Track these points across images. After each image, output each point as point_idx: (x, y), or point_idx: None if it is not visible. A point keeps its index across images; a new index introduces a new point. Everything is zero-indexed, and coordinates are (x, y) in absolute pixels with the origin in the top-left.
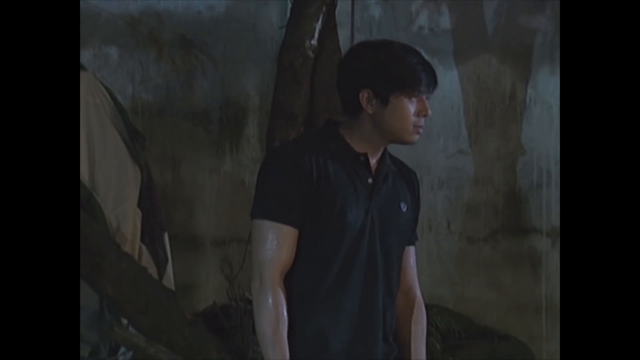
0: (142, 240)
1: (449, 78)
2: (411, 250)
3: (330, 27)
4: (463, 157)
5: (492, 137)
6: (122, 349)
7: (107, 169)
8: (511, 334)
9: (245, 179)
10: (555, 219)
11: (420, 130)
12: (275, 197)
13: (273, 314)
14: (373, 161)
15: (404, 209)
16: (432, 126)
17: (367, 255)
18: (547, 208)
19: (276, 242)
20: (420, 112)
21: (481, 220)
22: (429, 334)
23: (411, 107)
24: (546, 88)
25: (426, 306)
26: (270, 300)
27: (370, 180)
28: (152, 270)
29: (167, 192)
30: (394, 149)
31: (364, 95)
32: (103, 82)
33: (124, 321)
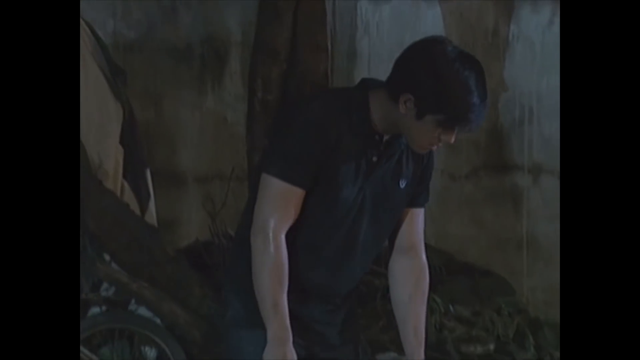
0: (124, 176)
1: (431, 14)
2: (419, 212)
3: None
4: None
5: None
6: (105, 285)
7: (88, 106)
8: (492, 269)
9: (227, 115)
10: (537, 156)
11: (433, 148)
12: (293, 159)
13: (279, 269)
14: (387, 137)
15: (402, 186)
16: None
17: (347, 231)
18: (529, 145)
19: (285, 202)
20: (444, 139)
21: (463, 157)
22: None
23: (439, 131)
24: (528, 25)
25: None
26: (275, 256)
27: (375, 159)
28: (135, 207)
29: (149, 129)
30: None
31: (405, 97)
32: (84, 17)
33: (107, 257)
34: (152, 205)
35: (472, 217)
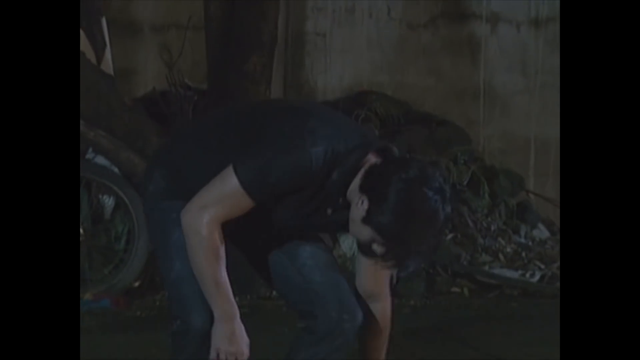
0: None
1: None
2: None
3: None
4: None
5: None
6: None
7: None
8: (449, 119)
9: None
10: (495, 4)
11: None
12: (267, 180)
13: (214, 248)
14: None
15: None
16: None
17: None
18: None
19: (233, 205)
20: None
21: (421, 6)
22: (367, 119)
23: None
24: None
25: (365, 92)
26: (208, 238)
27: (329, 212)
28: (90, 55)
29: None
30: None
31: (364, 197)
32: None
33: None
34: (108, 54)
35: (429, 67)
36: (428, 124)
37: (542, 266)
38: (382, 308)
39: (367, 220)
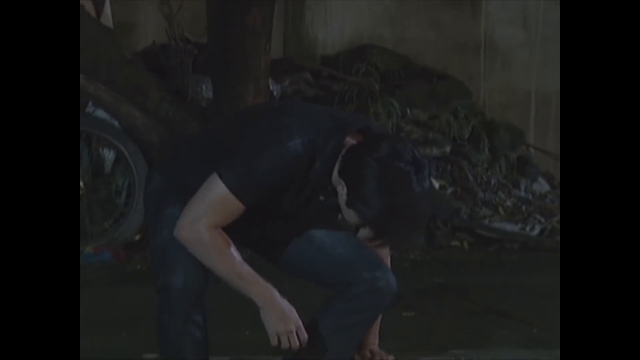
0: None
1: None
2: None
3: None
4: None
5: None
6: None
7: None
8: (449, 73)
9: None
10: None
11: None
12: (253, 181)
13: (222, 248)
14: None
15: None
16: None
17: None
18: None
19: (224, 210)
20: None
21: None
22: (368, 74)
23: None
24: None
25: (366, 47)
26: (210, 240)
27: (322, 198)
28: (90, 9)
29: None
30: None
31: (341, 184)
32: None
33: None
34: (107, 7)
35: (430, 20)
36: (428, 78)
37: (542, 220)
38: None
39: (349, 204)
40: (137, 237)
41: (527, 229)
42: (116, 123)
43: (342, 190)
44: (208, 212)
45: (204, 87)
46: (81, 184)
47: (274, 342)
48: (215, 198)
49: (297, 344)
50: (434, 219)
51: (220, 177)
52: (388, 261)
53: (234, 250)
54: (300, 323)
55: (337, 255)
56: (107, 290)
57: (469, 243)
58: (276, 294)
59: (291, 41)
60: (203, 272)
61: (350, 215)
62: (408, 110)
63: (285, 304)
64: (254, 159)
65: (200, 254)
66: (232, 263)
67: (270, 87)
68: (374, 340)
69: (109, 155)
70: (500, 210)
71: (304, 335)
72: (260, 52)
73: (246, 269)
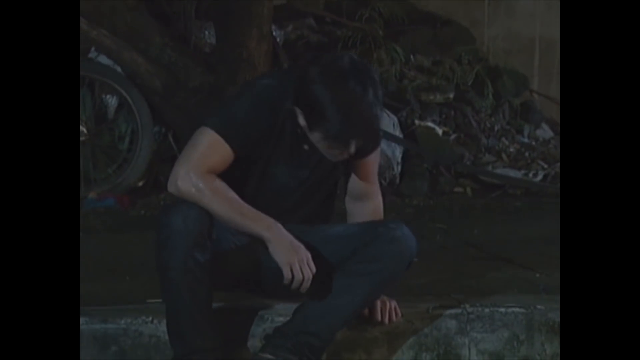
0: None
1: None
2: (367, 162)
3: None
4: None
5: None
6: None
7: None
8: (453, 19)
9: None
10: None
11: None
12: (235, 120)
13: (219, 191)
14: None
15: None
16: None
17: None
18: None
19: (212, 153)
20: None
21: None
22: (371, 19)
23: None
24: None
25: None
26: (207, 187)
27: (306, 147)
28: None
29: None
30: None
31: (298, 111)
32: None
33: None
34: None
35: None
36: (432, 24)
37: (545, 166)
38: (375, 205)
39: (311, 127)
40: (141, 183)
41: (530, 174)
42: (119, 69)
43: (303, 121)
44: (200, 159)
45: (206, 33)
46: (84, 129)
47: (287, 274)
48: (204, 144)
49: (310, 274)
50: (437, 165)
51: (205, 126)
52: (376, 180)
53: (231, 192)
54: (309, 254)
55: (352, 231)
56: (110, 235)
57: (472, 189)
58: (278, 225)
59: None
60: (204, 212)
61: (318, 142)
62: (412, 56)
63: (291, 236)
64: (233, 103)
65: (198, 199)
66: (231, 203)
67: (274, 33)
68: None
69: (112, 101)
70: (504, 156)
71: (313, 267)
72: None
73: (245, 207)
